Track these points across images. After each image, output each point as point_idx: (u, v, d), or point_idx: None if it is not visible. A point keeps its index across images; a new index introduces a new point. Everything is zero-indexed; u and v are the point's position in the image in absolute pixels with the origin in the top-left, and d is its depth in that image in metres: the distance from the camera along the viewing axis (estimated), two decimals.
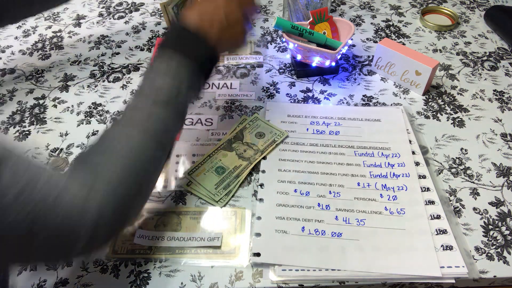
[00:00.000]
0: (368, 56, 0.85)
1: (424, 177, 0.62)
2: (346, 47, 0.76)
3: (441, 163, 0.65)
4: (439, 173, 0.64)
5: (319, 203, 0.59)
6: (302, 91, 0.78)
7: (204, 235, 0.56)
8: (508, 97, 0.76)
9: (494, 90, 0.77)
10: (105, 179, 0.43)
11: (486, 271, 0.53)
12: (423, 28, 0.92)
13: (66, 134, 0.71)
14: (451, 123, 0.71)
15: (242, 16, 0.57)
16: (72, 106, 0.76)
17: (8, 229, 0.36)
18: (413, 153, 0.65)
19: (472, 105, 0.74)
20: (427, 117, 0.72)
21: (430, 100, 0.75)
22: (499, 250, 0.55)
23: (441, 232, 0.56)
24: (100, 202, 0.41)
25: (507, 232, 0.57)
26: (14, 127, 0.73)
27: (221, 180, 0.62)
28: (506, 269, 0.53)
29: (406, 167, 0.63)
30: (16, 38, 0.94)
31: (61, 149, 0.69)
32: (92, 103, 0.77)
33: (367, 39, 0.89)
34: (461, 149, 0.67)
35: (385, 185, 0.61)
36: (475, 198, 0.61)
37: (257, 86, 0.79)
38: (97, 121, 0.73)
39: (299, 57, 0.78)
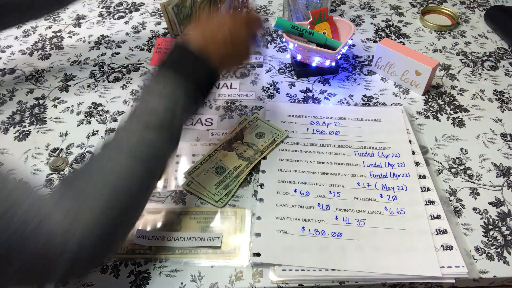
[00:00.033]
0: (368, 56, 0.85)
1: (424, 177, 0.62)
2: (346, 47, 0.76)
3: (441, 163, 0.65)
4: (439, 173, 0.64)
5: (319, 203, 0.59)
6: (302, 91, 0.78)
7: (204, 235, 0.56)
8: (508, 97, 0.76)
9: (494, 90, 0.77)
10: (89, 207, 0.41)
11: (486, 271, 0.53)
12: (423, 28, 0.92)
13: (66, 134, 0.71)
14: (451, 123, 0.71)
15: (247, 36, 0.56)
16: (72, 106, 0.76)
17: None
18: (413, 153, 0.65)
19: (472, 105, 0.74)
20: (427, 117, 0.72)
21: (430, 100, 0.75)
22: (499, 250, 0.55)
23: (441, 232, 0.56)
24: (83, 232, 0.40)
25: (507, 232, 0.57)
26: (14, 127, 0.73)
27: (221, 180, 0.62)
28: (506, 269, 0.53)
29: (406, 167, 0.63)
30: (16, 38, 0.94)
31: (61, 149, 0.69)
32: (92, 103, 0.77)
33: (367, 39, 0.90)
34: (461, 149, 0.67)
35: (385, 185, 0.61)
36: (475, 198, 0.61)
37: (257, 86, 0.79)
38: (97, 121, 0.73)
39: (299, 57, 0.78)
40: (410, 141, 0.67)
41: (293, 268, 0.52)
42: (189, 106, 0.51)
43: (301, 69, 0.80)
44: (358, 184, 0.62)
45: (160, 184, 0.63)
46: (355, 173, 0.63)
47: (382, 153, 0.65)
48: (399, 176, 0.62)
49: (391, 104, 0.75)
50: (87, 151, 0.68)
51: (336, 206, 0.59)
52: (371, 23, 0.94)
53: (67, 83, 0.81)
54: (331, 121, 0.71)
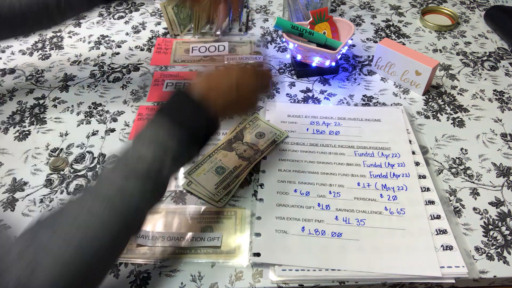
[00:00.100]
0: (368, 56, 0.85)
1: (424, 177, 0.62)
2: (346, 47, 0.76)
3: (441, 163, 0.65)
4: (439, 173, 0.64)
5: (319, 203, 0.59)
6: (302, 91, 0.78)
7: (204, 235, 0.56)
8: (508, 97, 0.76)
9: (494, 90, 0.77)
10: (53, 259, 0.39)
11: (486, 271, 0.53)
12: (423, 28, 0.92)
13: (66, 134, 0.71)
14: (451, 123, 0.71)
15: (256, 87, 0.55)
16: (72, 106, 0.76)
17: None
18: (413, 153, 0.65)
19: (472, 105, 0.74)
20: (427, 117, 0.72)
21: (430, 100, 0.75)
22: (499, 250, 0.55)
23: (441, 232, 0.56)
24: (43, 285, 0.38)
25: (507, 232, 0.57)
26: (14, 127, 0.73)
27: (221, 180, 0.62)
28: (506, 269, 0.53)
29: (406, 167, 0.63)
30: (16, 38, 0.93)
31: (61, 149, 0.69)
32: (92, 103, 0.77)
33: (367, 39, 0.89)
34: (461, 149, 0.67)
35: (385, 185, 0.61)
36: (475, 198, 0.61)
37: None
38: (97, 121, 0.73)
39: (299, 57, 0.78)
40: (410, 141, 0.67)
41: (293, 268, 0.52)
42: (180, 156, 0.48)
43: (301, 69, 0.80)
44: (358, 184, 0.62)
45: None
46: (355, 173, 0.63)
47: (382, 153, 0.65)
48: (399, 176, 0.62)
49: (391, 104, 0.75)
50: (87, 151, 0.68)
51: (336, 206, 0.59)
52: (371, 23, 0.94)
53: (67, 83, 0.81)
54: (331, 121, 0.71)
